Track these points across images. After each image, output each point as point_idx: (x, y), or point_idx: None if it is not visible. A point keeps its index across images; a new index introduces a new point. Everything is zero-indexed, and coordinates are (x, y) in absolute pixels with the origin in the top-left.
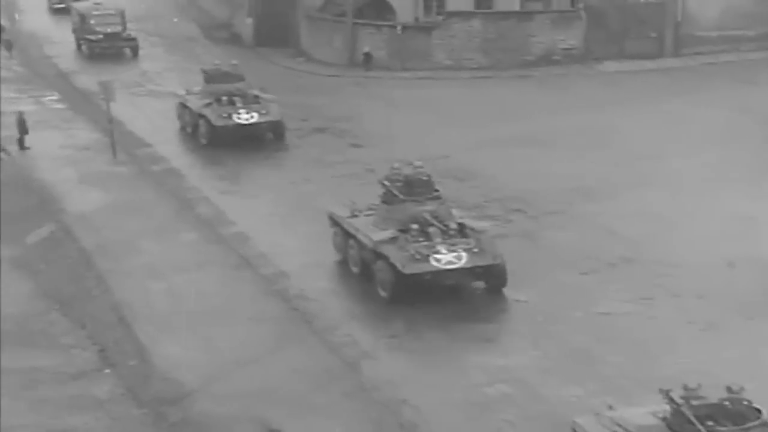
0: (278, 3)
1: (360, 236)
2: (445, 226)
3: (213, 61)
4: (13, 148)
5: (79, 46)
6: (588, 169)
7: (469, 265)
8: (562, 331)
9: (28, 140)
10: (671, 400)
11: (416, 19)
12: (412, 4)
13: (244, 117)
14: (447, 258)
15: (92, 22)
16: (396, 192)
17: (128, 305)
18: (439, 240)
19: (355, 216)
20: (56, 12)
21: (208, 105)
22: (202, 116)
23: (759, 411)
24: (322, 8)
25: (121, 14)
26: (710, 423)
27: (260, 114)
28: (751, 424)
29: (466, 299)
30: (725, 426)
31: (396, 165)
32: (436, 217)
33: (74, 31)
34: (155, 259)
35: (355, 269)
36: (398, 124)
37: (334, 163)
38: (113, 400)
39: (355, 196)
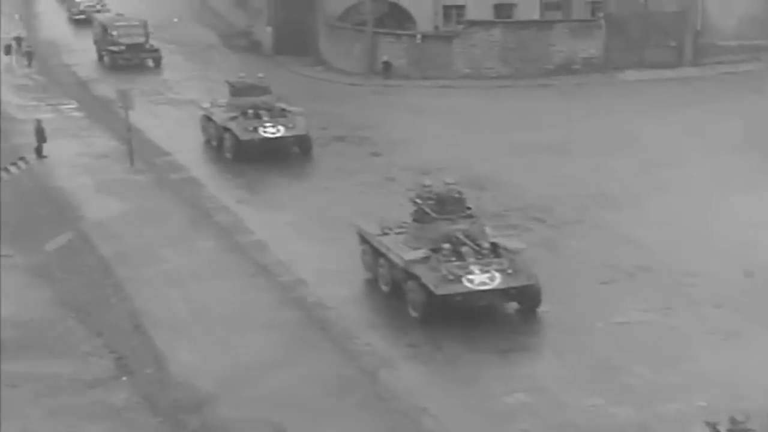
0: (298, 11)
1: (391, 255)
2: (478, 245)
3: (238, 73)
4: (31, 156)
5: (100, 57)
6: (607, 176)
7: (502, 286)
8: (582, 341)
9: (46, 148)
10: None
11: (436, 28)
12: (432, 13)
13: (270, 131)
14: (480, 279)
15: (115, 33)
16: (428, 210)
17: (146, 313)
18: (472, 260)
19: (386, 234)
20: (76, 22)
21: (234, 118)
22: (227, 130)
23: None
24: (342, 17)
25: (144, 25)
26: None
27: (287, 128)
28: None
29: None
30: None
31: (428, 182)
32: (468, 236)
33: (96, 42)
34: (173, 267)
35: (384, 288)
36: (418, 133)
37: (354, 172)
38: (130, 408)
39: (375, 205)
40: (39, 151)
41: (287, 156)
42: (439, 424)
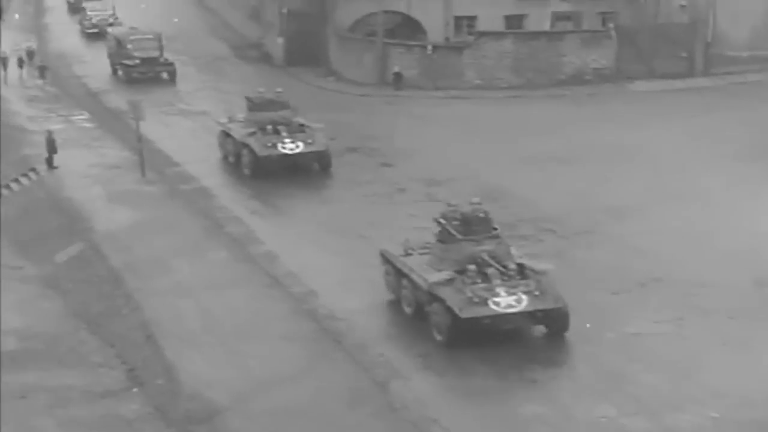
0: (309, 23)
1: (414, 276)
2: (504, 266)
3: (257, 88)
4: (42, 167)
5: (114, 71)
6: (618, 186)
7: (529, 309)
8: (594, 351)
9: (57, 159)
10: None
11: (447, 39)
12: (443, 24)
13: (289, 146)
14: (506, 301)
15: (129, 46)
16: (452, 231)
17: (157, 324)
18: (498, 282)
19: (409, 254)
20: (88, 35)
21: (252, 134)
22: (245, 145)
23: None
24: (353, 28)
25: (159, 38)
26: None
27: (306, 143)
28: None
29: None
30: None
31: (453, 202)
32: (494, 257)
33: (110, 55)
34: (184, 278)
35: (408, 310)
36: (429, 143)
37: (365, 183)
38: (142, 419)
39: (385, 216)
40: (50, 162)
41: (307, 173)
42: None
